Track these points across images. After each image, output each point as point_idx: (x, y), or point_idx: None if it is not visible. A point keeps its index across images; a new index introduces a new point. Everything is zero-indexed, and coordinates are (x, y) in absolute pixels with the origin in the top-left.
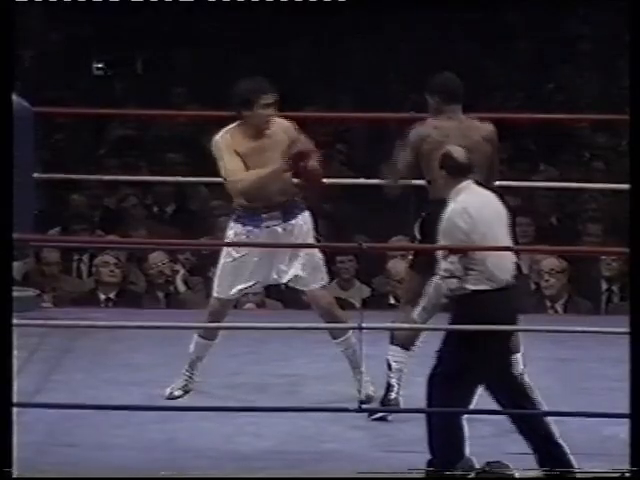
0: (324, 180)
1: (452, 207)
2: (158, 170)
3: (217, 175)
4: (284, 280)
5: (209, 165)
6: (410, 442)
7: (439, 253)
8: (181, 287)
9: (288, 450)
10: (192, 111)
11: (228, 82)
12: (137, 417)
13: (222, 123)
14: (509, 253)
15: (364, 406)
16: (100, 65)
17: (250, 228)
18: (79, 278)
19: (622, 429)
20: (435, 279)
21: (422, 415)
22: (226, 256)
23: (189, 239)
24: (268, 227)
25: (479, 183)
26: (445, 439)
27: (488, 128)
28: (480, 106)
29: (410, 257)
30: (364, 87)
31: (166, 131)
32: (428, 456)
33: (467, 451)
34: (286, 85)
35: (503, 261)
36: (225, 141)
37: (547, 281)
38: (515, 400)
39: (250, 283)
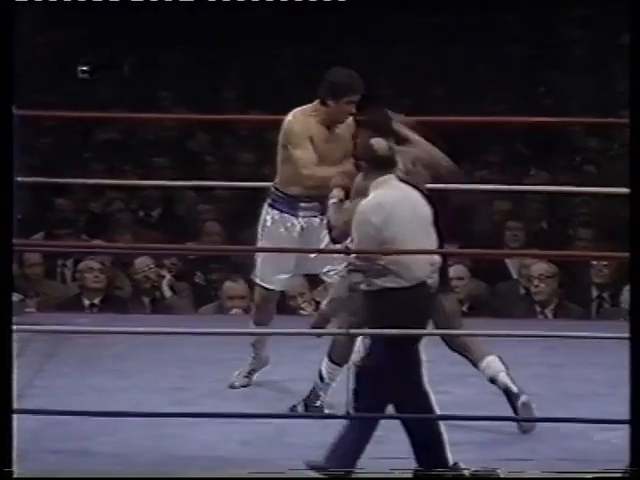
0: None
1: (367, 200)
2: (144, 174)
3: (204, 179)
4: (318, 271)
5: (195, 169)
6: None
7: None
8: (167, 292)
9: (274, 457)
10: (178, 114)
11: (215, 86)
12: (123, 423)
13: (208, 126)
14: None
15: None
16: (85, 68)
17: (287, 216)
18: (63, 283)
19: (613, 435)
20: (342, 272)
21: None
22: (265, 242)
23: (175, 244)
24: (305, 217)
25: (404, 180)
26: (356, 446)
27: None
28: (471, 109)
29: None
30: None
31: (152, 135)
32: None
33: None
34: (274, 88)
35: (416, 259)
36: (300, 125)
37: (537, 286)
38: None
39: (290, 274)
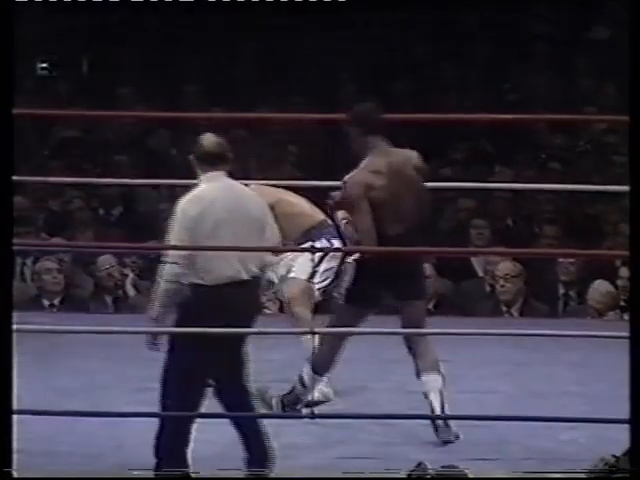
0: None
1: (190, 194)
2: (104, 172)
3: (165, 177)
4: None
5: (156, 166)
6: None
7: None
8: (131, 291)
9: (237, 456)
10: (139, 112)
11: (175, 82)
12: (83, 423)
13: (169, 124)
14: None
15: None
16: (44, 65)
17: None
18: (23, 282)
19: (580, 434)
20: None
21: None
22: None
23: (136, 242)
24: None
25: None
26: (174, 443)
27: (415, 155)
28: (436, 107)
29: None
30: (317, 88)
31: (112, 132)
32: (375, 463)
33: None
34: (236, 86)
35: (221, 257)
36: None
37: (502, 286)
38: (245, 402)
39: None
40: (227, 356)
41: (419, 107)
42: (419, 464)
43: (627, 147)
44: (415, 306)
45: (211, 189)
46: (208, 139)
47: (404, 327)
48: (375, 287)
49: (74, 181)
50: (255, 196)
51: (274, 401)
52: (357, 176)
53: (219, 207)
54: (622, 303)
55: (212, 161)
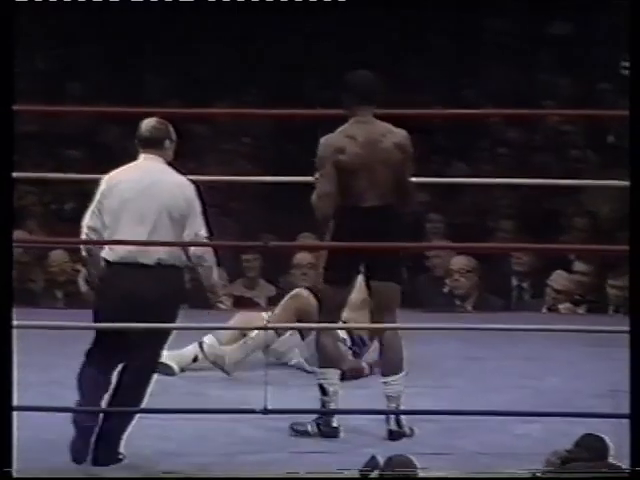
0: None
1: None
2: (57, 167)
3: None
4: None
5: (109, 161)
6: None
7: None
8: (83, 287)
9: (192, 452)
10: (93, 106)
11: (132, 78)
12: (36, 419)
13: (122, 119)
14: (133, 230)
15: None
16: None
17: None
18: None
19: (534, 427)
20: None
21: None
22: None
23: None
24: None
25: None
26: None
27: (401, 134)
28: (394, 102)
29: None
30: (277, 83)
31: (64, 127)
32: (329, 458)
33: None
34: (196, 80)
35: (123, 235)
36: None
37: (457, 280)
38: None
39: None
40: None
41: (379, 102)
42: (372, 458)
43: (583, 141)
44: (389, 288)
45: (128, 169)
46: (146, 123)
47: (375, 310)
48: (350, 264)
49: (74, 177)
50: (183, 186)
51: (309, 427)
52: (330, 138)
53: (125, 187)
54: (577, 297)
55: (144, 144)
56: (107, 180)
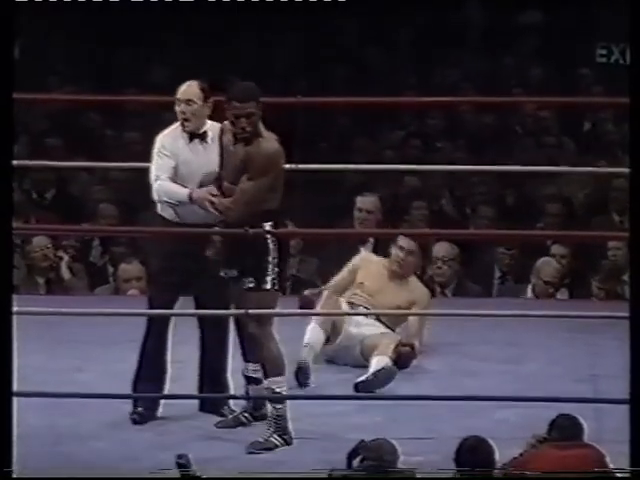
0: None
1: None
2: (36, 155)
3: (98, 160)
4: None
5: (88, 149)
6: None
7: None
8: (66, 274)
9: (175, 442)
10: (69, 94)
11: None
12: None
13: (100, 106)
14: None
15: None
16: None
17: None
18: None
19: (512, 412)
20: None
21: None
22: None
23: (71, 225)
24: None
25: None
26: None
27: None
28: (372, 91)
29: None
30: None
31: (43, 114)
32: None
33: None
34: (163, 74)
35: None
36: None
37: (439, 268)
38: None
39: None
40: None
41: (353, 91)
42: (361, 441)
43: (558, 127)
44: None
45: None
46: None
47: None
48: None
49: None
50: None
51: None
52: (278, 145)
53: None
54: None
55: None
56: None
